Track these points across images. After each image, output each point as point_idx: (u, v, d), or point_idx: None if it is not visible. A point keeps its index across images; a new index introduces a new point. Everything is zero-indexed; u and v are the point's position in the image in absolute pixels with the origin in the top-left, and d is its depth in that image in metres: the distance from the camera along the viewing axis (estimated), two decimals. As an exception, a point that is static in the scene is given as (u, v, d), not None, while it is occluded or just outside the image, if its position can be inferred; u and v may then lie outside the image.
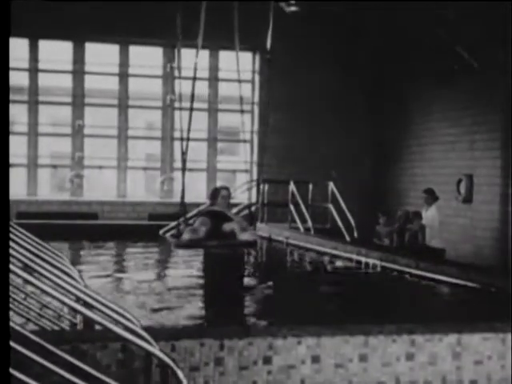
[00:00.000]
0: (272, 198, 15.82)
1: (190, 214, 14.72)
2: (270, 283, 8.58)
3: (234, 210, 11.50)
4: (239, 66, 8.44)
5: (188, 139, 8.09)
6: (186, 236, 7.58)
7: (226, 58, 16.76)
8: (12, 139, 13.92)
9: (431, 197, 12.20)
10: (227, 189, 8.97)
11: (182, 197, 8.09)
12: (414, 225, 11.87)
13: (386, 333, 4.49)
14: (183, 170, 8.13)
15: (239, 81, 8.54)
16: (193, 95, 8.33)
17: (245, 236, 7.68)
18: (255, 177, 17.71)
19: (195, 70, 8.19)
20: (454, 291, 8.84)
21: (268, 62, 8.04)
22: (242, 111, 8.97)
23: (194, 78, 8.21)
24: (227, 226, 7.97)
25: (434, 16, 14.06)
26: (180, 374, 3.36)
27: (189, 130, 8.10)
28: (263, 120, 17.63)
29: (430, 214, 11.98)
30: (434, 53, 14.89)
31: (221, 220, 8.06)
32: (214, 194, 8.94)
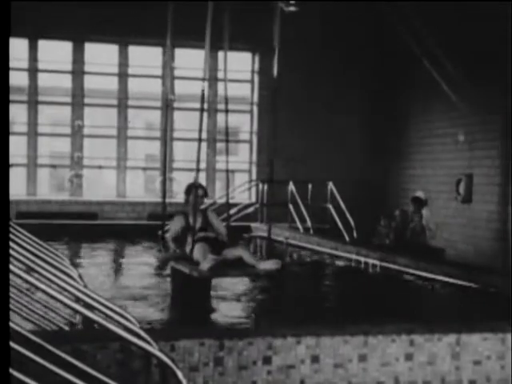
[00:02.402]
0: (271, 198, 15.81)
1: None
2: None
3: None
4: (227, 65, 8.23)
5: (166, 139, 7.98)
6: (206, 265, 6.88)
7: (222, 57, 16.75)
8: (12, 139, 13.90)
9: (419, 204, 12.08)
10: (202, 188, 8.12)
11: (164, 197, 8.00)
12: (413, 223, 11.86)
13: (385, 333, 4.50)
14: (164, 168, 8.11)
15: (225, 80, 8.31)
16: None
17: (267, 265, 7.03)
18: (254, 177, 17.74)
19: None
20: (454, 291, 8.84)
21: (273, 90, 7.39)
22: (226, 111, 8.49)
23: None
24: (229, 253, 7.33)
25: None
26: (179, 374, 3.36)
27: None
28: (265, 121, 17.65)
29: (423, 216, 11.96)
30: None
31: (218, 247, 7.42)
32: (188, 190, 8.18)
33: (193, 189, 7.93)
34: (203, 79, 7.47)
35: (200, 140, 7.53)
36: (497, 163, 13.19)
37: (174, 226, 7.95)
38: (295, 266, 11.85)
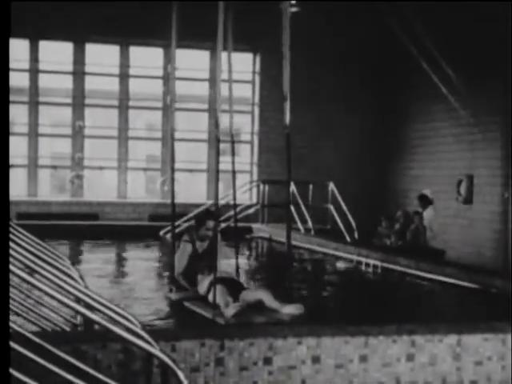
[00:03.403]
0: (272, 198, 15.81)
1: (191, 215, 14.77)
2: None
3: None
4: (231, 66, 8.17)
5: (173, 139, 7.78)
6: (230, 311, 6.49)
7: (226, 58, 16.76)
8: (12, 140, 13.91)
9: (425, 202, 12.17)
10: (217, 219, 7.60)
11: (172, 197, 7.76)
12: (414, 224, 11.87)
13: (386, 333, 4.49)
14: (172, 170, 7.89)
15: (229, 81, 8.23)
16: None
17: (289, 310, 6.65)
18: (255, 177, 17.73)
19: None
20: (454, 292, 8.83)
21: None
22: (231, 112, 8.38)
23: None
24: (248, 296, 6.93)
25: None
26: (180, 374, 3.36)
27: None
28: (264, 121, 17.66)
29: (426, 216, 11.99)
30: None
31: (235, 289, 7.03)
32: (201, 220, 7.73)
33: (206, 220, 7.59)
34: (219, 80, 7.37)
35: (219, 141, 7.21)
36: (498, 164, 13.18)
37: (182, 259, 7.62)
38: (296, 266, 11.83)
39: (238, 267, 7.87)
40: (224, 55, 7.57)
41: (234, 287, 7.01)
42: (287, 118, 6.75)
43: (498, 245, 13.14)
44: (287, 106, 6.72)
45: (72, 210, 16.68)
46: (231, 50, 7.99)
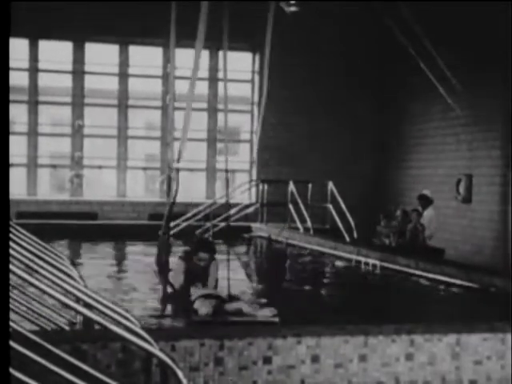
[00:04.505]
0: (271, 197, 15.80)
1: (190, 214, 14.76)
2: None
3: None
4: (227, 65, 8.12)
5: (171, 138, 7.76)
6: (204, 309, 6.64)
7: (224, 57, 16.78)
8: (12, 139, 13.89)
9: (425, 202, 12.21)
10: (211, 248, 7.45)
11: (170, 197, 7.72)
12: (412, 223, 11.89)
13: (385, 333, 4.50)
14: (177, 170, 7.83)
15: (225, 80, 8.19)
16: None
17: (263, 312, 6.73)
18: (254, 177, 17.73)
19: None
20: (454, 291, 8.84)
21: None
22: (226, 111, 8.34)
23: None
24: (228, 307, 6.95)
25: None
26: (180, 374, 3.36)
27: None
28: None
29: (426, 216, 12.00)
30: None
31: (220, 301, 7.03)
32: (194, 250, 7.39)
33: (198, 253, 7.35)
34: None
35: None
36: (497, 163, 13.18)
37: (177, 277, 7.47)
38: (295, 266, 11.85)
39: (229, 283, 7.81)
40: (221, 54, 7.58)
41: (218, 300, 7.03)
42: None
43: (497, 244, 13.15)
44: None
45: (71, 209, 16.68)
46: (226, 49, 7.98)
